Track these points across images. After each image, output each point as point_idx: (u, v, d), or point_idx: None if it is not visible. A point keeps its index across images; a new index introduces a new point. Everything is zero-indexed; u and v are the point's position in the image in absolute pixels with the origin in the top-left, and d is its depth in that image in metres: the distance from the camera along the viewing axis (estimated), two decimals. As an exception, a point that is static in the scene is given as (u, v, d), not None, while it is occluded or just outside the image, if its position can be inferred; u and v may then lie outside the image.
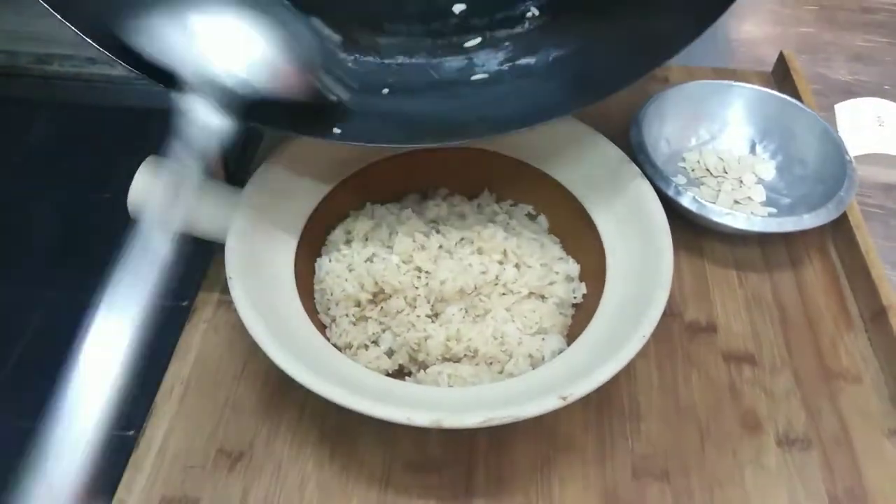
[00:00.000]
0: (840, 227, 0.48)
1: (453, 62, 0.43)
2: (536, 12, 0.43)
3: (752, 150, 0.53)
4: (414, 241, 0.41)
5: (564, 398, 0.31)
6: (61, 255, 0.48)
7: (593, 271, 0.41)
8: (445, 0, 0.44)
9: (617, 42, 0.40)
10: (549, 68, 0.42)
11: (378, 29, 0.44)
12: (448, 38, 0.44)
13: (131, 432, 0.39)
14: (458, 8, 0.43)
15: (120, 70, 0.35)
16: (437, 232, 0.42)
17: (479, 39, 0.43)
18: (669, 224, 0.39)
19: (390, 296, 0.40)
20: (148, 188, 0.39)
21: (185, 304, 0.44)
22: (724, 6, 0.35)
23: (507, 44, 0.44)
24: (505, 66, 0.43)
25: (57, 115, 0.57)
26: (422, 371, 0.38)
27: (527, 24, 0.43)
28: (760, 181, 0.51)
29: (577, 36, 0.41)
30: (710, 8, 0.36)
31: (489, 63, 0.43)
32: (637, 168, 0.42)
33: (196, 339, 0.42)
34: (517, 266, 0.41)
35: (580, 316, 0.41)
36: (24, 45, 0.57)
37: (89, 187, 0.52)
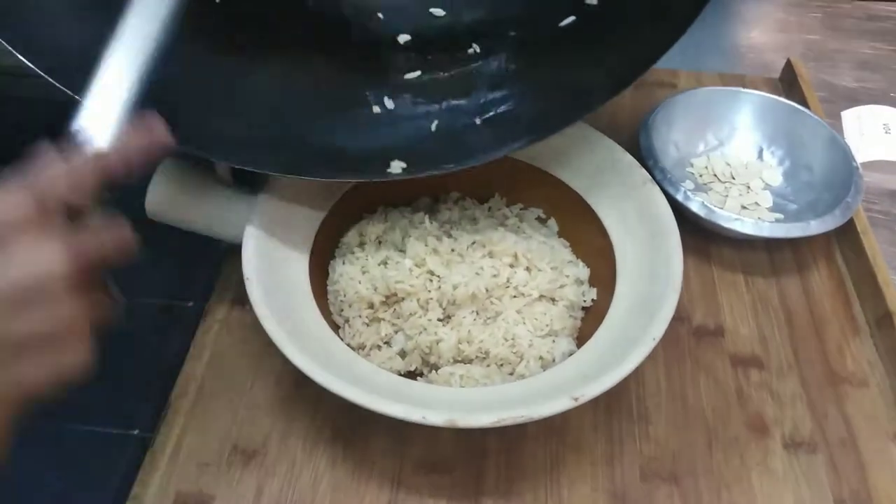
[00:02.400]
0: (846, 233, 0.48)
1: (392, 94, 0.43)
2: (479, 49, 0.43)
3: (760, 156, 0.54)
4: (426, 244, 0.42)
5: (576, 399, 0.32)
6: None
7: (603, 275, 0.42)
8: (392, 30, 0.44)
9: (546, 92, 0.41)
10: (480, 109, 0.42)
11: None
12: (390, 68, 0.43)
13: (136, 431, 0.39)
14: (402, 38, 0.43)
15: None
16: (449, 236, 0.43)
17: (418, 73, 0.43)
18: (678, 229, 0.40)
19: (403, 298, 0.40)
20: (166, 190, 0.40)
21: (190, 304, 0.44)
22: (643, 68, 0.39)
23: (444, 80, 0.43)
24: (440, 104, 0.43)
25: (58, 113, 0.57)
26: (433, 372, 0.39)
27: (467, 64, 0.43)
28: (768, 187, 0.52)
29: (511, 81, 0.42)
30: (631, 68, 0.39)
31: (426, 98, 0.43)
32: (646, 173, 0.43)
33: (210, 339, 0.43)
34: (528, 269, 0.42)
35: (590, 319, 0.41)
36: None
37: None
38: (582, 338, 0.40)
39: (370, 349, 0.40)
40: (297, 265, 0.40)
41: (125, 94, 0.28)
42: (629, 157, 0.44)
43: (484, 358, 0.39)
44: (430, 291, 0.40)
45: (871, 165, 0.55)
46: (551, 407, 0.32)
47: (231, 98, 0.39)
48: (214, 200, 0.41)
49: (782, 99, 0.54)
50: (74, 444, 0.38)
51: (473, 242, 0.42)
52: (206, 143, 0.37)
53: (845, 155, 0.49)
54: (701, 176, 0.53)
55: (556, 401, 0.32)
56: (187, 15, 0.30)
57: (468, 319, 0.40)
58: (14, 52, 0.32)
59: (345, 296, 0.40)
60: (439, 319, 0.40)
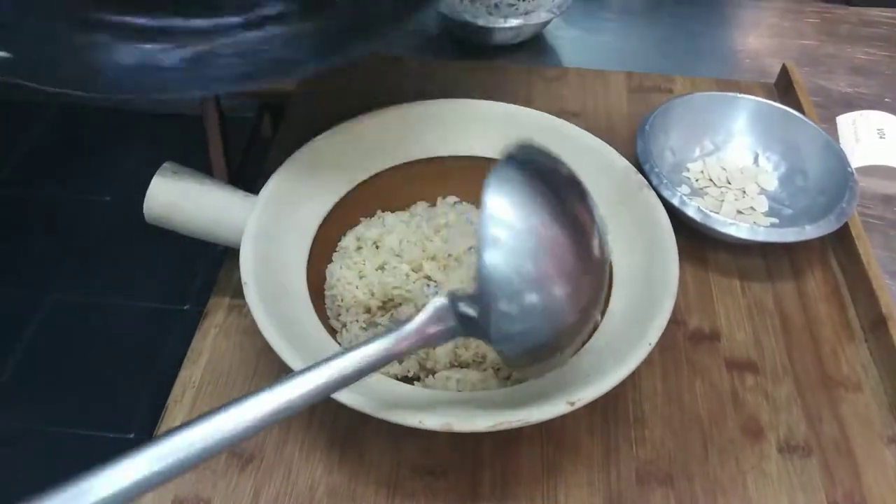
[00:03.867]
0: (841, 238, 0.49)
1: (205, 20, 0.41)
2: None
3: (756, 161, 0.54)
4: (423, 250, 0.42)
5: (572, 403, 0.32)
6: (61, 257, 0.48)
7: (599, 279, 0.42)
8: None
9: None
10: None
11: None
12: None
13: (132, 435, 0.39)
14: None
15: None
16: (446, 241, 0.43)
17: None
18: (674, 233, 0.40)
19: (400, 303, 0.40)
20: (165, 194, 0.40)
21: (187, 308, 0.44)
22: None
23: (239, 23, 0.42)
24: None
25: (57, 118, 0.57)
26: (430, 376, 0.39)
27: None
28: (763, 192, 0.52)
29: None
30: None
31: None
32: (643, 178, 0.43)
33: (207, 344, 0.43)
34: (524, 274, 0.42)
35: (586, 323, 0.41)
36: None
37: (89, 190, 0.52)
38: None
39: (367, 353, 0.40)
40: (295, 269, 0.40)
41: None
42: (625, 162, 0.44)
43: (481, 362, 0.39)
44: (427, 296, 0.40)
45: (866, 170, 0.55)
46: (548, 411, 0.32)
47: None
48: (212, 205, 0.41)
49: (777, 104, 0.54)
50: (72, 449, 0.38)
51: (470, 247, 0.42)
52: None
53: (840, 160, 0.49)
54: (697, 181, 0.53)
55: (553, 405, 0.32)
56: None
57: (465, 324, 0.40)
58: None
59: (342, 300, 0.41)
60: (436, 324, 0.40)
